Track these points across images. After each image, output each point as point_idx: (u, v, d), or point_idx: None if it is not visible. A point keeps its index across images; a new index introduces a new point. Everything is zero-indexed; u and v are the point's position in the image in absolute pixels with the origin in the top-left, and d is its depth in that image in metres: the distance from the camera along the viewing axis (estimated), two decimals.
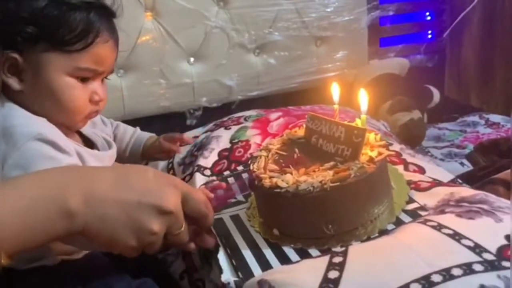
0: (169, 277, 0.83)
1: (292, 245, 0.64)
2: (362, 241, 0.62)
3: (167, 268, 0.84)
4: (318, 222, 0.62)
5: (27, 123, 0.64)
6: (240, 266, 0.63)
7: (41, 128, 0.63)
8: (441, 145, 1.40)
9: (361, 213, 0.62)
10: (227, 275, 0.62)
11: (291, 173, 0.64)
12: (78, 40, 0.65)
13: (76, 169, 0.56)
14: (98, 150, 0.76)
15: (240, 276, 0.61)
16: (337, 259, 0.57)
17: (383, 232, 0.63)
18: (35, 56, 0.64)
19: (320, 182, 0.60)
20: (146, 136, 0.92)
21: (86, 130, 0.76)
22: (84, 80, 0.68)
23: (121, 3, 0.72)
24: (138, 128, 0.94)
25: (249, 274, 0.61)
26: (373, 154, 0.63)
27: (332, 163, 0.64)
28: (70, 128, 0.70)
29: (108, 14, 0.70)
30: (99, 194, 0.50)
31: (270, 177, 0.64)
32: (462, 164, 1.26)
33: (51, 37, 0.64)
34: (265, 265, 0.62)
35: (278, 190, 0.62)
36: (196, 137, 1.06)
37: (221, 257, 0.65)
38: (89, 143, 0.75)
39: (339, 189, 0.60)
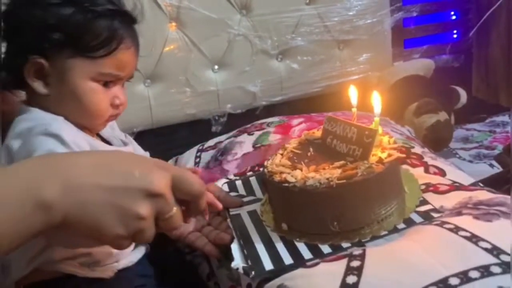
0: (196, 279, 0.85)
1: (297, 240, 0.65)
2: (367, 240, 0.62)
3: (195, 270, 0.86)
4: (324, 218, 0.62)
5: (39, 123, 0.65)
6: (250, 254, 0.64)
7: (50, 123, 0.65)
8: (469, 146, 1.38)
9: (367, 212, 0.62)
10: (237, 262, 0.64)
11: (301, 170, 0.65)
12: (102, 46, 0.67)
13: (53, 157, 0.52)
14: None
15: (249, 263, 0.63)
16: (355, 263, 0.58)
17: (394, 231, 0.63)
18: (61, 61, 0.67)
19: (327, 179, 0.61)
20: None
21: (105, 133, 0.79)
22: (106, 84, 0.70)
23: (141, 8, 0.73)
24: (147, 153, 0.96)
25: (258, 262, 0.63)
26: (383, 155, 0.64)
27: (342, 162, 0.64)
28: (90, 130, 0.73)
29: (131, 21, 0.72)
30: (78, 180, 0.46)
31: (281, 173, 0.66)
32: (491, 165, 1.23)
33: (77, 43, 0.66)
34: (274, 256, 0.63)
35: (286, 185, 0.63)
36: (221, 142, 1.09)
37: (234, 247, 0.67)
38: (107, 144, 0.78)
39: (345, 187, 0.60)
